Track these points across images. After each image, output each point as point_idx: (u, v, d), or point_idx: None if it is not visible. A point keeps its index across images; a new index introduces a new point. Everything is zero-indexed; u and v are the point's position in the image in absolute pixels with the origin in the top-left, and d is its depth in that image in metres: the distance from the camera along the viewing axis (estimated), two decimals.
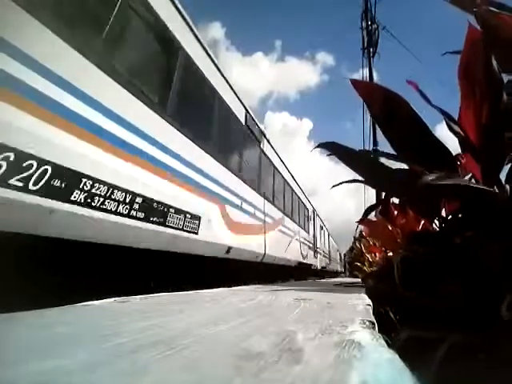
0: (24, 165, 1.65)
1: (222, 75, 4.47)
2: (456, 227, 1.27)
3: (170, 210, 2.90)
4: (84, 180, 2.02)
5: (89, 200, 2.06)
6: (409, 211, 1.91)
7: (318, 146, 1.44)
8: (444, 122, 1.24)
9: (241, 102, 5.21)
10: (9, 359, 0.59)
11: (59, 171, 1.85)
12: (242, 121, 5.31)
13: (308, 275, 11.60)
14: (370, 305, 1.49)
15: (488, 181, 1.09)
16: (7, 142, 1.58)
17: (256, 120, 6.03)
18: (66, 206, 1.90)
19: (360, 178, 1.47)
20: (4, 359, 0.59)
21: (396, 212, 2.12)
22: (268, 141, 6.84)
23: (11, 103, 1.62)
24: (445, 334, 0.85)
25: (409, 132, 1.23)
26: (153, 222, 2.64)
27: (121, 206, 2.30)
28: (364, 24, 9.24)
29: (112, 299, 1.60)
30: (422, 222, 1.87)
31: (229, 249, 4.25)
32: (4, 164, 1.56)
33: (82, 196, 2.01)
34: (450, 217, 1.38)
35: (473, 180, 1.21)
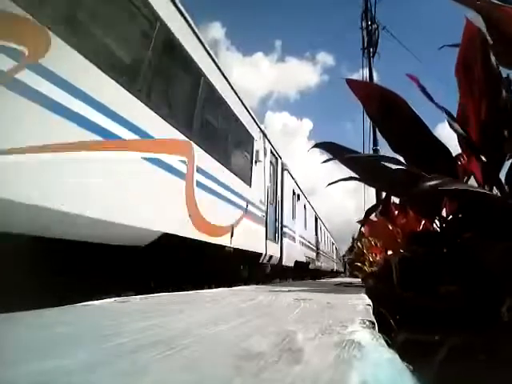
0: None
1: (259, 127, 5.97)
2: (456, 228, 1.27)
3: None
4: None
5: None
6: (409, 211, 1.91)
7: (316, 146, 1.43)
8: (443, 122, 1.23)
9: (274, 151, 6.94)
10: (9, 359, 0.59)
11: None
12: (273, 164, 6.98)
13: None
14: (369, 305, 1.49)
15: (488, 180, 1.09)
16: None
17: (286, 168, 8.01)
18: None
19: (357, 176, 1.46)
20: (4, 359, 0.59)
21: (396, 212, 2.12)
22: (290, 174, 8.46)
23: None
24: (444, 335, 0.85)
25: (407, 131, 1.21)
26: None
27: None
28: (364, 24, 9.23)
29: (112, 299, 1.60)
30: (423, 222, 1.87)
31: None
32: None
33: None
34: (451, 217, 1.38)
35: (473, 180, 1.20)
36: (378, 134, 7.09)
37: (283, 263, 7.12)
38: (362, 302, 1.62)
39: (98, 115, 2.11)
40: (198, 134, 3.48)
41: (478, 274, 0.96)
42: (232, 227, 4.27)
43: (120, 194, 2.32)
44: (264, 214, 5.91)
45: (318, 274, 13.82)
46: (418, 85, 1.24)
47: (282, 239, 7.08)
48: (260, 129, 5.97)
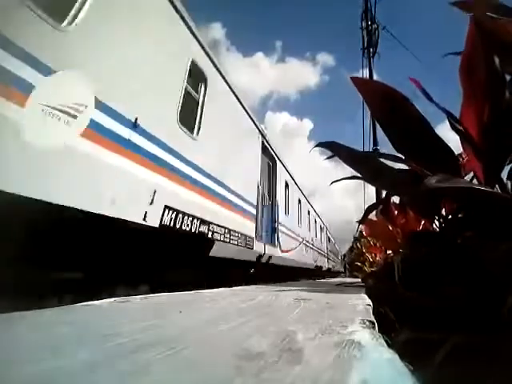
0: None
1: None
2: (457, 227, 1.27)
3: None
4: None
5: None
6: (409, 211, 1.91)
7: (318, 146, 1.44)
8: (443, 123, 1.24)
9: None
10: (9, 359, 0.59)
11: None
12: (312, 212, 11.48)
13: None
14: (369, 305, 1.49)
15: (490, 180, 1.09)
16: None
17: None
18: None
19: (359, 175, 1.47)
20: (4, 359, 0.59)
21: (396, 212, 2.12)
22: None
23: None
24: (444, 335, 0.85)
25: (410, 130, 1.21)
26: None
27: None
28: (364, 24, 9.23)
29: (112, 299, 1.60)
30: (423, 221, 1.87)
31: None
32: None
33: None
34: (451, 217, 1.38)
35: (474, 180, 1.20)
36: (378, 133, 7.07)
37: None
38: (361, 301, 1.62)
39: None
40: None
41: (479, 274, 0.96)
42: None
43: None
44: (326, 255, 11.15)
45: (294, 274, 9.39)
46: (420, 88, 1.24)
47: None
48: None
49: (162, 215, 2.78)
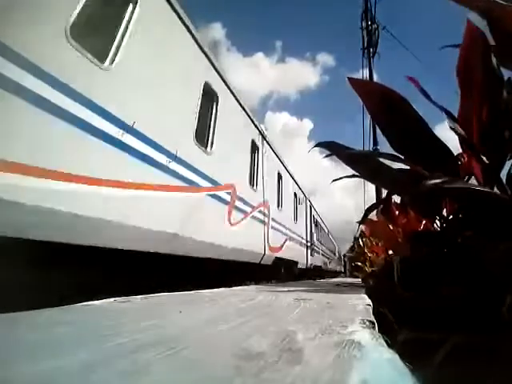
0: None
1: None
2: (457, 227, 1.27)
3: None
4: None
5: None
6: (410, 211, 1.91)
7: (317, 146, 1.44)
8: (442, 123, 1.24)
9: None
10: (9, 359, 0.59)
11: None
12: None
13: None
14: (369, 305, 1.49)
15: (489, 180, 1.09)
16: None
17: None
18: None
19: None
20: (4, 359, 0.59)
21: (397, 211, 2.11)
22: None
23: None
24: (444, 335, 0.85)
25: (408, 130, 1.21)
26: None
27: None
28: (364, 24, 9.22)
29: (112, 299, 1.60)
30: (423, 221, 1.87)
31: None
32: None
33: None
34: (451, 217, 1.38)
35: (474, 181, 1.20)
36: (378, 133, 7.07)
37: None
38: (361, 301, 1.62)
39: None
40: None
41: (479, 273, 0.96)
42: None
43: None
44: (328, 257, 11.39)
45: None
46: (418, 87, 1.24)
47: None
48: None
49: None
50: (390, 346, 0.71)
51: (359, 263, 6.38)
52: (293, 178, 8.44)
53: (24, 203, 1.60)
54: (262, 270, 6.09)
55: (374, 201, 6.23)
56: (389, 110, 1.22)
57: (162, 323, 0.98)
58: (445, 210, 1.43)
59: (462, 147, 1.28)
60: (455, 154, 1.28)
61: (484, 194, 0.92)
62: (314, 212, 12.13)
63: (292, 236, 7.97)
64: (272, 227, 6.03)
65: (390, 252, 2.91)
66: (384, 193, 2.75)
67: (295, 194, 8.67)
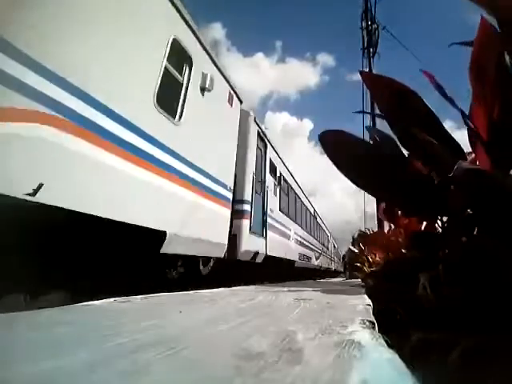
0: None
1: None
2: (463, 227, 1.24)
3: None
4: None
5: None
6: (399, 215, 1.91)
7: (323, 134, 1.28)
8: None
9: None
10: (9, 359, 0.59)
11: None
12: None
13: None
14: (369, 305, 1.49)
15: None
16: None
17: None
18: None
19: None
20: (4, 359, 0.59)
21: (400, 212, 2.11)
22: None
23: None
24: (445, 336, 0.85)
25: (419, 125, 1.15)
26: None
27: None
28: (364, 24, 9.23)
29: (112, 299, 1.60)
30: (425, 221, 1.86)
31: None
32: None
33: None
34: (457, 216, 1.36)
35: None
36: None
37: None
38: (361, 301, 1.62)
39: None
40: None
41: (486, 276, 0.94)
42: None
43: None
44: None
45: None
46: (433, 82, 1.20)
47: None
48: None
49: None
50: (389, 345, 0.71)
51: (359, 263, 6.38)
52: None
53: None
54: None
55: (374, 201, 6.22)
56: (399, 104, 1.18)
57: (162, 323, 0.98)
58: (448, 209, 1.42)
59: (471, 145, 1.25)
60: (466, 152, 1.26)
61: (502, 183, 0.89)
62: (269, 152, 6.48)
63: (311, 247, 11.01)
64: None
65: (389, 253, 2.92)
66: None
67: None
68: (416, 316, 1.08)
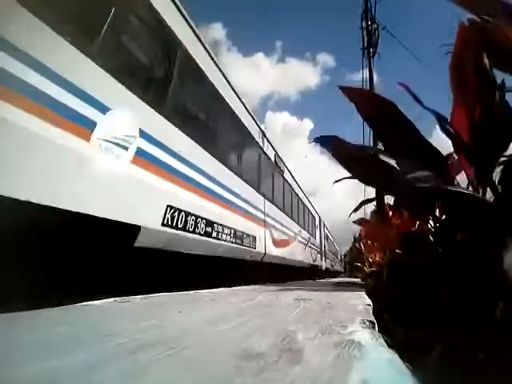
0: None
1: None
2: (448, 229, 1.28)
3: None
4: None
5: None
6: (403, 212, 1.92)
7: (316, 140, 1.41)
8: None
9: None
10: (9, 359, 0.59)
11: None
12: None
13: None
14: (369, 305, 1.49)
15: (481, 181, 1.10)
16: None
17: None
18: None
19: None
20: (4, 359, 0.59)
21: (391, 212, 2.12)
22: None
23: None
24: (443, 335, 0.85)
25: (398, 135, 1.27)
26: None
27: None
28: (364, 24, 9.21)
29: (112, 299, 1.60)
30: (417, 222, 1.87)
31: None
32: None
33: None
34: (443, 218, 1.39)
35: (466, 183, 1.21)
36: None
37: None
38: (361, 301, 1.62)
39: None
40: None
41: (470, 275, 0.96)
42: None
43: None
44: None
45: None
46: (409, 92, 1.27)
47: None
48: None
49: None
50: (389, 346, 0.71)
51: (359, 263, 6.38)
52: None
53: None
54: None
55: (374, 201, 6.22)
56: (381, 117, 1.27)
57: (162, 323, 0.98)
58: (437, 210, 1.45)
59: (454, 148, 1.30)
60: (445, 155, 1.31)
61: (471, 197, 0.93)
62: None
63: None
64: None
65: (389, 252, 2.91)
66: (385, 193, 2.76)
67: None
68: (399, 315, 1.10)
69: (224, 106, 4.15)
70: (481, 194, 1.08)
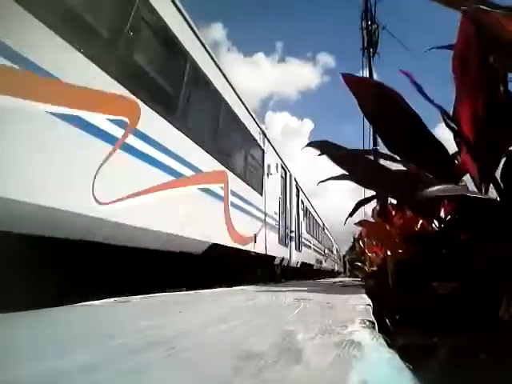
0: None
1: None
2: (453, 229, 1.26)
3: None
4: None
5: None
6: (406, 211, 1.91)
7: (308, 145, 1.41)
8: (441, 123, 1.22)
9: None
10: (9, 359, 0.59)
11: None
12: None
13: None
14: (369, 305, 1.49)
15: (485, 179, 1.09)
16: None
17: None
18: None
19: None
20: (4, 359, 0.59)
21: (393, 212, 2.11)
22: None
23: None
24: (444, 336, 0.85)
25: (404, 129, 1.18)
26: None
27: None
28: (364, 24, 9.21)
29: (112, 299, 1.60)
30: (420, 222, 1.86)
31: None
32: None
33: None
34: (448, 218, 1.38)
35: (470, 183, 1.20)
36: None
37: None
38: (361, 301, 1.62)
39: None
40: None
41: (475, 274, 0.95)
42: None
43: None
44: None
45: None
46: (413, 82, 1.20)
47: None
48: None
49: None
50: (389, 346, 0.71)
51: (359, 263, 6.38)
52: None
53: None
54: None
55: (374, 201, 6.22)
56: (383, 108, 1.18)
57: (162, 323, 0.98)
58: (442, 210, 1.43)
59: (457, 146, 1.27)
60: (451, 153, 1.27)
61: (478, 199, 0.92)
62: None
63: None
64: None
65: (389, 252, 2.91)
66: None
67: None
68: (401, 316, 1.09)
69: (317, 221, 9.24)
70: (483, 190, 1.07)
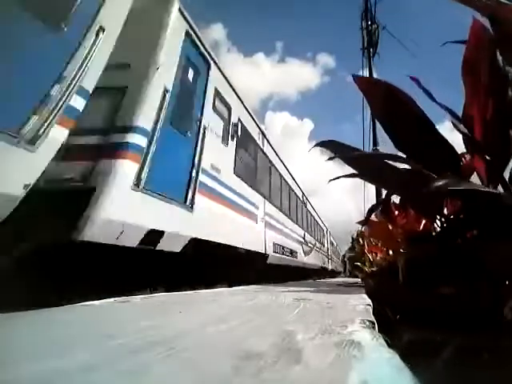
0: None
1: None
2: (459, 227, 1.25)
3: None
4: None
5: None
6: (409, 211, 1.90)
7: (317, 145, 1.43)
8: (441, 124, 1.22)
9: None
10: (9, 359, 0.59)
11: None
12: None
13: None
14: (370, 305, 1.49)
15: (493, 179, 1.08)
16: None
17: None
18: None
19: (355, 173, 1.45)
20: (4, 359, 0.59)
21: (397, 211, 2.11)
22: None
23: None
24: (445, 335, 0.85)
25: (413, 129, 1.20)
26: None
27: None
28: (364, 24, 9.20)
29: (112, 299, 1.60)
30: (423, 221, 1.86)
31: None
32: None
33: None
34: (452, 217, 1.37)
35: (478, 181, 1.19)
36: (378, 134, 7.05)
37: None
38: (362, 301, 1.62)
39: None
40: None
41: (480, 274, 0.95)
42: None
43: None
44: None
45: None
46: (420, 86, 1.22)
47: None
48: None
49: None
50: (389, 345, 0.71)
51: (359, 263, 6.37)
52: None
53: None
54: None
55: (374, 201, 6.23)
56: (393, 109, 1.20)
57: (162, 323, 0.98)
58: (446, 209, 1.43)
59: (465, 146, 1.27)
60: (459, 153, 1.27)
61: (489, 194, 0.91)
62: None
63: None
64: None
65: (390, 252, 2.91)
66: (384, 193, 2.74)
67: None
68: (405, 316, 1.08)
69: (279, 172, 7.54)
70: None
